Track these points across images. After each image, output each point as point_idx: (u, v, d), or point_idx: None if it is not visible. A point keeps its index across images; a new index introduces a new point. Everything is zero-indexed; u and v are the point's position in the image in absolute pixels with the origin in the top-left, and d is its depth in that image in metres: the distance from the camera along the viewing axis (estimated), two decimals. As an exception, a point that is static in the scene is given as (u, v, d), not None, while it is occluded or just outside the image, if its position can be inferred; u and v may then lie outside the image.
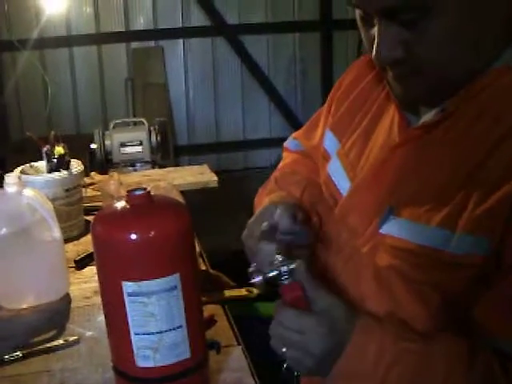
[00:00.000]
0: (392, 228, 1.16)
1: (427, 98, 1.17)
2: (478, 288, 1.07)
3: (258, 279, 1.15)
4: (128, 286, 1.13)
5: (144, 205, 1.16)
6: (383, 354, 1.05)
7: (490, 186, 1.04)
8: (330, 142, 1.42)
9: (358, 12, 1.14)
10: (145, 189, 1.18)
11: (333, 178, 1.37)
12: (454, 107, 1.12)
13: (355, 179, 1.29)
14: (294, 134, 1.68)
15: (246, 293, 1.74)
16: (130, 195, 1.16)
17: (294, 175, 1.52)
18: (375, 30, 1.08)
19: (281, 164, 1.65)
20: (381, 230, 1.18)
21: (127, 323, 1.15)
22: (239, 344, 1.48)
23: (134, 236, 1.10)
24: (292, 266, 1.12)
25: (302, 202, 1.39)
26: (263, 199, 1.45)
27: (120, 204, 1.18)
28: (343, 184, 1.33)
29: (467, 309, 1.11)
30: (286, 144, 1.69)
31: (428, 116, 1.18)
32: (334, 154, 1.39)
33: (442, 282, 1.10)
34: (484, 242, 1.03)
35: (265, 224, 1.24)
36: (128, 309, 1.14)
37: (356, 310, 1.14)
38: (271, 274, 1.12)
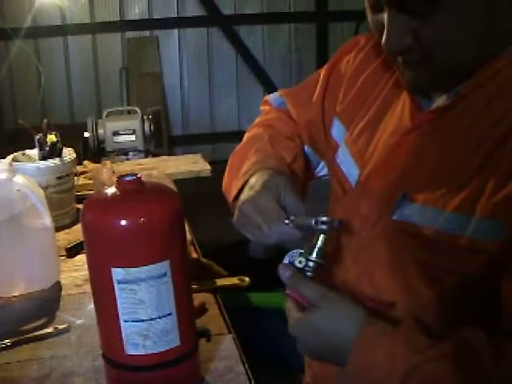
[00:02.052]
0: (406, 214, 1.15)
1: (439, 84, 1.17)
2: (495, 273, 1.07)
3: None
4: (117, 273, 1.11)
5: (134, 191, 1.15)
6: (394, 363, 1.00)
7: (508, 170, 1.03)
8: (338, 131, 1.41)
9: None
10: (135, 175, 1.16)
11: (341, 167, 1.36)
12: (469, 90, 1.11)
13: (364, 167, 1.28)
14: (280, 92, 1.65)
15: (237, 281, 1.73)
16: (120, 181, 1.15)
17: (287, 140, 1.49)
18: (385, 18, 1.09)
19: (263, 117, 1.62)
20: (394, 217, 1.17)
21: (116, 310, 1.14)
22: (230, 332, 1.47)
23: (123, 222, 1.09)
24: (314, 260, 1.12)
25: (292, 169, 1.38)
26: (251, 154, 1.42)
27: (110, 190, 1.17)
28: (352, 172, 1.32)
29: (483, 294, 1.10)
30: (268, 98, 1.66)
31: (441, 100, 1.18)
32: (342, 143, 1.38)
33: (458, 268, 1.09)
34: (502, 227, 1.03)
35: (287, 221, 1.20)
36: (117, 296, 1.13)
37: (363, 310, 1.09)
38: (299, 266, 1.13)
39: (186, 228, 2.08)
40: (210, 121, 6.96)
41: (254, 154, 1.41)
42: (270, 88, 6.93)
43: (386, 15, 1.08)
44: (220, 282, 1.72)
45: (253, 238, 1.25)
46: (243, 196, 1.28)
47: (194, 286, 1.59)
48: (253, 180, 1.30)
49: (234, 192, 1.36)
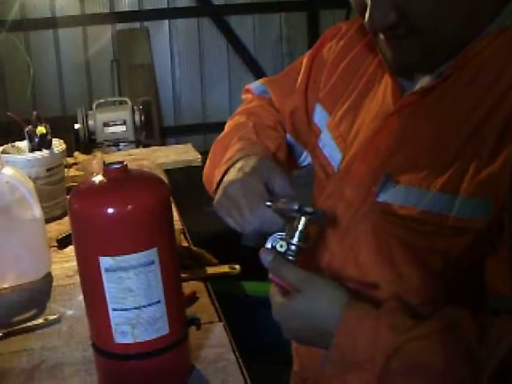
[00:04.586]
0: (391, 195, 1.14)
1: (421, 62, 1.15)
2: (481, 253, 1.07)
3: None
4: (105, 261, 1.11)
5: (121, 178, 1.14)
6: (378, 345, 1.00)
7: (491, 148, 1.03)
8: (320, 116, 1.40)
9: None
10: (122, 162, 1.16)
11: (323, 151, 1.35)
12: (451, 71, 1.11)
13: (347, 150, 1.27)
14: (262, 80, 1.63)
15: (228, 270, 1.73)
16: (106, 169, 1.15)
17: (270, 129, 1.46)
18: None
19: (246, 105, 1.59)
20: (378, 199, 1.16)
21: (105, 299, 1.14)
22: (221, 321, 1.47)
23: (110, 210, 1.09)
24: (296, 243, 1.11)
25: (276, 157, 1.36)
26: (235, 142, 1.39)
27: (97, 178, 1.16)
28: (334, 156, 1.31)
29: (470, 274, 1.10)
30: (250, 86, 1.64)
31: (424, 81, 1.17)
32: (325, 127, 1.36)
33: (445, 248, 1.09)
34: (488, 204, 1.03)
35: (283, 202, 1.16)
36: (105, 284, 1.12)
37: (347, 292, 1.08)
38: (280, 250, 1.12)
39: (177, 217, 2.11)
40: (201, 111, 6.95)
41: (237, 141, 1.38)
42: (261, 77, 6.87)
43: None
44: (211, 270, 1.71)
45: (232, 224, 1.21)
46: (229, 177, 1.25)
47: (184, 275, 1.59)
48: (240, 164, 1.27)
49: (216, 178, 1.32)
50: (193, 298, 1.56)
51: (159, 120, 6.41)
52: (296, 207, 1.10)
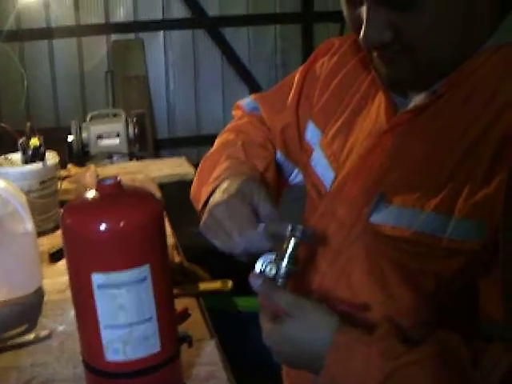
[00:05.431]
0: (384, 216, 1.13)
1: (414, 79, 1.15)
2: (475, 274, 1.06)
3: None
4: (97, 278, 1.10)
5: (114, 194, 1.13)
6: (369, 372, 0.99)
7: (486, 169, 1.02)
8: (312, 134, 1.38)
9: None
10: (115, 178, 1.15)
11: (316, 170, 1.34)
12: (446, 89, 1.10)
13: (339, 169, 1.26)
14: (253, 96, 1.61)
15: (221, 285, 1.72)
16: (99, 185, 1.14)
17: (260, 148, 1.44)
18: (363, 12, 1.07)
19: (236, 122, 1.57)
20: (371, 219, 1.15)
21: (96, 316, 1.13)
22: (213, 338, 1.46)
23: (102, 226, 1.08)
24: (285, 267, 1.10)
25: (264, 178, 1.35)
26: (223, 160, 1.37)
27: (90, 194, 1.15)
28: (327, 175, 1.29)
29: (463, 296, 1.10)
30: (241, 103, 1.62)
31: (418, 99, 1.17)
32: (317, 146, 1.35)
33: (438, 270, 1.08)
34: (482, 226, 1.02)
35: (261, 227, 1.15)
36: (97, 301, 1.12)
37: (337, 317, 1.07)
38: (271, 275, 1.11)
39: (170, 232, 2.10)
40: (195, 123, 6.95)
41: (225, 159, 1.37)
42: (255, 90, 6.91)
43: (364, 8, 1.06)
44: (203, 286, 1.71)
45: (220, 245, 1.19)
46: (215, 199, 1.23)
47: (176, 291, 1.58)
48: (225, 184, 1.25)
49: (203, 198, 1.31)
50: (185, 314, 1.55)
51: (153, 132, 6.41)
52: (288, 229, 1.09)
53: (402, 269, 1.12)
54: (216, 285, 1.72)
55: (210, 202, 1.25)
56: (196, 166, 2.93)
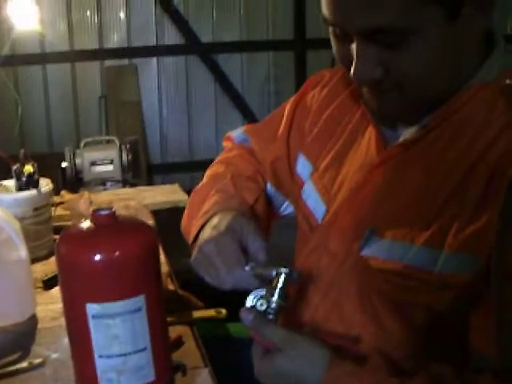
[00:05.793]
0: (375, 250, 1.15)
1: (404, 114, 1.17)
2: (466, 307, 1.07)
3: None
4: (92, 308, 1.11)
5: (109, 225, 1.14)
6: None
7: (476, 204, 1.04)
8: (303, 167, 1.39)
9: (332, 29, 1.13)
10: (110, 209, 1.16)
11: (307, 203, 1.35)
12: (435, 123, 1.12)
13: (331, 202, 1.27)
14: (243, 128, 1.63)
15: (214, 314, 1.72)
16: (94, 215, 1.15)
17: (249, 180, 1.46)
18: (353, 49, 1.08)
19: (226, 154, 1.59)
20: (363, 253, 1.16)
21: (91, 345, 1.13)
22: (206, 366, 1.46)
23: (98, 257, 1.09)
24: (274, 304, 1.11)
25: (254, 211, 1.36)
26: (212, 194, 1.39)
27: (85, 224, 1.16)
28: (318, 208, 1.31)
29: (454, 329, 1.10)
30: (231, 134, 1.64)
31: (408, 133, 1.18)
32: (308, 179, 1.36)
33: (429, 303, 1.09)
34: (472, 260, 1.04)
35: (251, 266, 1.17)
36: (92, 331, 1.12)
37: (329, 351, 1.08)
38: (260, 309, 1.12)
39: (163, 259, 2.10)
40: (188, 149, 6.96)
41: (215, 193, 1.39)
42: (248, 116, 6.95)
43: (354, 46, 1.07)
44: (197, 314, 1.71)
45: (209, 281, 1.21)
46: (205, 235, 1.24)
47: (170, 319, 1.58)
48: (215, 220, 1.26)
49: (193, 232, 1.32)
50: (178, 342, 1.55)
51: (146, 157, 6.42)
52: (273, 273, 1.11)
53: (393, 301, 1.12)
54: (210, 313, 1.72)
55: (199, 238, 1.26)
56: (189, 191, 2.94)
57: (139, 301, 1.12)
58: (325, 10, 1.08)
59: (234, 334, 2.30)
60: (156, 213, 2.66)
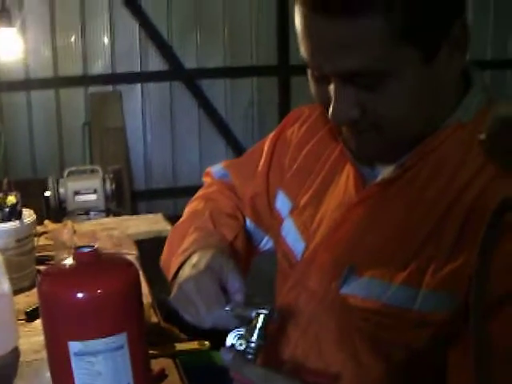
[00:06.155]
0: (354, 288, 1.15)
1: (383, 154, 1.18)
2: (445, 345, 1.08)
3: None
4: (74, 346, 1.11)
5: (91, 263, 1.15)
6: None
7: (453, 243, 1.05)
8: (282, 204, 1.40)
9: (310, 70, 1.15)
10: (92, 246, 1.17)
11: (286, 240, 1.35)
12: (412, 163, 1.13)
13: (310, 240, 1.28)
14: (223, 164, 1.63)
15: (197, 346, 1.73)
16: (77, 253, 1.15)
17: (228, 217, 1.47)
18: (331, 90, 1.09)
19: (205, 190, 1.60)
20: (342, 291, 1.17)
21: (73, 382, 1.13)
22: (190, 399, 1.47)
23: (80, 295, 1.09)
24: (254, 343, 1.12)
25: (233, 247, 1.37)
26: (191, 232, 1.39)
27: (67, 262, 1.17)
28: (297, 245, 1.31)
29: (433, 367, 1.11)
30: (211, 170, 1.64)
31: (386, 171, 1.19)
32: (287, 215, 1.37)
33: (408, 340, 1.10)
34: (450, 298, 1.05)
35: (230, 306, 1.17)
36: (74, 368, 1.12)
37: None
38: (239, 348, 1.12)
39: (146, 290, 2.10)
40: (172, 175, 6.96)
41: (193, 231, 1.39)
42: (232, 141, 6.96)
43: (332, 87, 1.09)
44: (180, 346, 1.71)
45: (189, 319, 1.20)
46: (184, 273, 1.24)
47: (153, 352, 1.59)
48: (195, 258, 1.26)
49: (173, 269, 1.32)
50: (162, 375, 1.55)
51: (130, 184, 6.41)
52: (252, 314, 1.11)
53: (372, 339, 1.13)
54: (193, 345, 1.73)
55: (179, 276, 1.27)
56: (173, 217, 2.95)
57: (121, 338, 1.12)
58: (303, 52, 1.09)
59: (219, 362, 2.30)
60: (139, 242, 2.66)
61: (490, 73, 7.08)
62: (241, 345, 1.12)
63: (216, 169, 1.62)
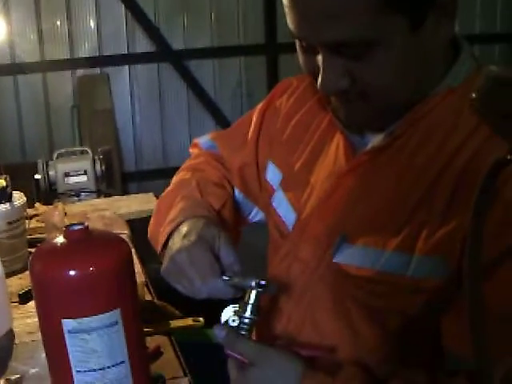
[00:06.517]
0: (347, 256, 1.15)
1: (372, 121, 1.18)
2: (438, 311, 1.08)
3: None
4: (68, 324, 1.11)
5: (82, 240, 1.14)
6: None
7: (445, 208, 1.05)
8: (273, 174, 1.40)
9: (298, 41, 1.14)
10: (83, 223, 1.16)
11: (278, 211, 1.35)
12: (402, 130, 1.13)
13: (301, 210, 1.27)
14: (210, 135, 1.62)
15: (192, 322, 1.73)
16: (67, 231, 1.15)
17: (215, 186, 1.46)
18: (319, 60, 1.09)
19: (192, 161, 1.59)
20: (335, 260, 1.17)
21: (68, 361, 1.13)
22: (186, 375, 1.47)
23: (72, 273, 1.09)
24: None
25: (221, 216, 1.37)
26: (178, 201, 1.38)
27: (58, 240, 1.16)
28: (289, 216, 1.31)
29: (428, 333, 1.11)
30: (198, 141, 1.64)
31: (376, 140, 1.19)
32: (278, 186, 1.37)
33: (402, 307, 1.10)
34: (443, 263, 1.05)
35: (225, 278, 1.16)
36: (68, 346, 1.12)
37: (302, 362, 1.08)
38: (232, 324, 1.12)
39: (139, 269, 2.10)
40: (162, 156, 6.95)
41: (180, 200, 1.38)
42: (221, 121, 6.94)
43: (320, 57, 1.08)
44: (174, 323, 1.71)
45: (182, 291, 1.20)
46: (176, 245, 1.23)
47: (147, 329, 1.59)
48: (184, 228, 1.25)
49: (161, 240, 1.31)
50: (157, 353, 1.55)
51: (120, 165, 6.39)
52: (251, 284, 1.11)
53: (366, 307, 1.13)
54: (187, 322, 1.73)
55: (169, 247, 1.25)
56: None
57: (115, 315, 1.12)
58: (290, 23, 1.09)
59: (214, 339, 2.30)
60: (131, 222, 2.66)
61: (479, 47, 7.06)
62: (234, 321, 1.12)
63: (203, 140, 1.62)
